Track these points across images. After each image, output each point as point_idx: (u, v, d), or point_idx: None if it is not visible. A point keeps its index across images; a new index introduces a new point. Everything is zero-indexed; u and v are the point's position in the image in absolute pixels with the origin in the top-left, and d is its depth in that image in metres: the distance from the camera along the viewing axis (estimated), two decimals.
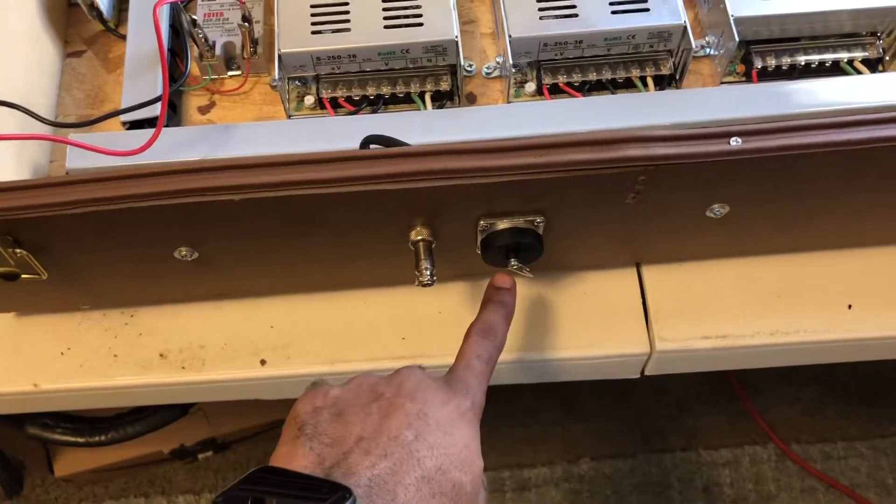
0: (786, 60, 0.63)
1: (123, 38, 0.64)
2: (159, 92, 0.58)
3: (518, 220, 0.51)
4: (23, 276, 0.51)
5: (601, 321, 0.60)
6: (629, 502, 1.32)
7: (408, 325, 0.60)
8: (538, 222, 0.52)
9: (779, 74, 0.64)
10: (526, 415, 1.39)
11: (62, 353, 0.59)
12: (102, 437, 0.76)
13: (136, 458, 1.22)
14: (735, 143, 0.48)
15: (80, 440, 0.75)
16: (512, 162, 0.47)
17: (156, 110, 0.58)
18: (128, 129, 0.60)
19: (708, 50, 0.65)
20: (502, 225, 0.52)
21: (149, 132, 0.55)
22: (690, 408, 1.39)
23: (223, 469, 1.34)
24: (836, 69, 0.64)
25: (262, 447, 1.34)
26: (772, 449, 1.36)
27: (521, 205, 0.51)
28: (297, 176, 0.46)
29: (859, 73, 0.63)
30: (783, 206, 0.54)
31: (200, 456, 1.29)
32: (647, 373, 0.63)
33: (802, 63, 0.63)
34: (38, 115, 0.54)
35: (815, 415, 1.38)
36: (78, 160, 0.57)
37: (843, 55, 0.63)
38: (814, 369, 1.41)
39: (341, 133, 0.58)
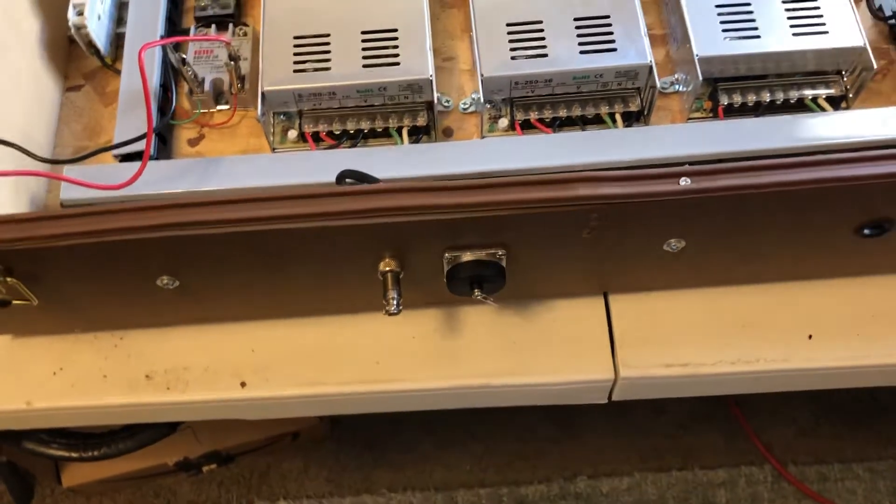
0: (751, 98, 0.65)
1: (119, 73, 0.67)
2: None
3: (480, 252, 0.54)
4: (14, 301, 0.55)
5: (568, 348, 0.63)
6: None
7: (381, 351, 0.63)
8: (500, 255, 0.54)
9: (745, 110, 0.66)
10: (524, 432, 1.41)
11: (55, 374, 0.62)
12: (95, 453, 0.79)
13: (142, 469, 1.26)
14: (684, 182, 0.50)
15: (74, 455, 0.79)
16: (469, 200, 0.50)
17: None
18: (120, 161, 0.64)
19: (677, 87, 0.67)
20: (466, 257, 0.54)
21: (138, 165, 0.58)
22: (687, 427, 1.40)
23: (227, 482, 1.37)
24: (801, 106, 0.66)
25: (266, 460, 1.37)
26: (768, 470, 1.36)
27: (482, 239, 0.53)
28: (267, 212, 0.49)
29: (823, 109, 0.65)
30: (738, 241, 0.56)
31: (205, 468, 1.32)
32: (614, 398, 0.65)
33: (768, 100, 0.65)
34: (33, 154, 0.57)
35: (811, 436, 1.39)
36: (72, 192, 0.60)
37: (808, 92, 0.65)
38: (810, 390, 1.41)
39: (320, 166, 0.61)
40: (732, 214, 0.53)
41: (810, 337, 0.62)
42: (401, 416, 1.40)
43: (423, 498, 1.35)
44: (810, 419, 1.40)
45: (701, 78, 0.63)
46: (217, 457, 1.30)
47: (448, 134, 0.67)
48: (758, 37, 0.63)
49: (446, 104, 0.67)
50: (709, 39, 0.63)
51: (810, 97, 0.65)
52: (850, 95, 0.65)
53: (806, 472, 1.36)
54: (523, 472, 1.38)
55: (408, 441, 1.39)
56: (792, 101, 0.65)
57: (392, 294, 0.54)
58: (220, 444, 1.27)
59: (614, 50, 0.63)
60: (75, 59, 0.71)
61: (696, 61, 0.63)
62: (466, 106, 0.67)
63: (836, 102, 0.66)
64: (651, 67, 0.62)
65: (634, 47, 0.63)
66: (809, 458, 1.37)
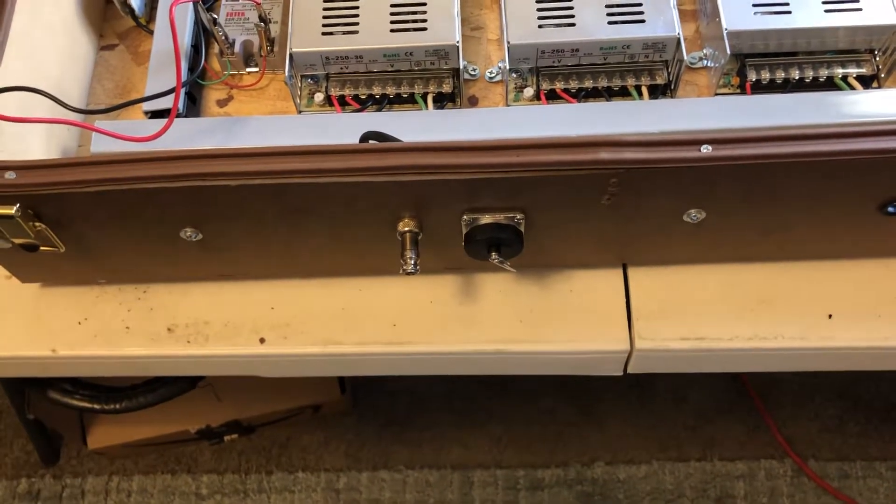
0: (780, 74, 0.64)
1: (153, 33, 0.69)
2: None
3: (499, 216, 0.54)
4: (42, 248, 0.56)
5: (584, 318, 0.63)
6: None
7: (399, 313, 0.63)
8: (518, 219, 0.54)
9: (773, 87, 0.65)
10: (544, 415, 1.41)
11: (79, 323, 0.64)
12: (116, 406, 0.81)
13: (164, 435, 1.28)
14: (705, 150, 0.50)
15: (97, 406, 0.81)
16: (489, 160, 0.50)
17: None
18: (149, 117, 0.65)
19: (705, 62, 0.67)
20: (484, 220, 0.55)
21: (167, 121, 0.59)
22: (708, 418, 1.40)
23: (247, 451, 1.38)
24: (830, 84, 0.65)
25: (286, 433, 1.39)
26: (788, 464, 1.35)
27: (501, 201, 0.53)
28: (289, 166, 0.50)
29: (853, 88, 0.64)
30: (759, 213, 0.56)
31: (226, 438, 1.35)
32: (629, 371, 0.65)
33: (796, 77, 0.64)
34: (64, 103, 0.59)
35: (834, 432, 1.37)
36: (101, 145, 0.62)
37: (838, 71, 0.65)
38: (837, 386, 1.40)
39: (345, 129, 0.62)
40: (754, 185, 0.53)
41: (830, 316, 0.62)
42: (421, 395, 1.41)
43: (440, 476, 1.36)
44: (835, 416, 1.38)
45: (729, 53, 0.62)
46: (239, 427, 1.32)
47: (473, 102, 0.67)
48: (788, 12, 0.63)
49: (473, 72, 0.68)
50: (739, 14, 0.63)
51: (840, 75, 0.64)
52: (882, 75, 0.65)
53: (827, 469, 1.34)
54: (541, 455, 1.38)
55: (427, 420, 1.40)
56: (821, 80, 0.65)
57: (409, 254, 0.55)
58: (242, 414, 1.29)
59: (642, 21, 0.63)
60: (110, 19, 0.72)
61: (725, 35, 0.62)
62: (493, 75, 0.68)
63: (867, 82, 0.65)
64: (679, 40, 0.62)
65: (663, 19, 0.63)
66: (832, 454, 1.35)
